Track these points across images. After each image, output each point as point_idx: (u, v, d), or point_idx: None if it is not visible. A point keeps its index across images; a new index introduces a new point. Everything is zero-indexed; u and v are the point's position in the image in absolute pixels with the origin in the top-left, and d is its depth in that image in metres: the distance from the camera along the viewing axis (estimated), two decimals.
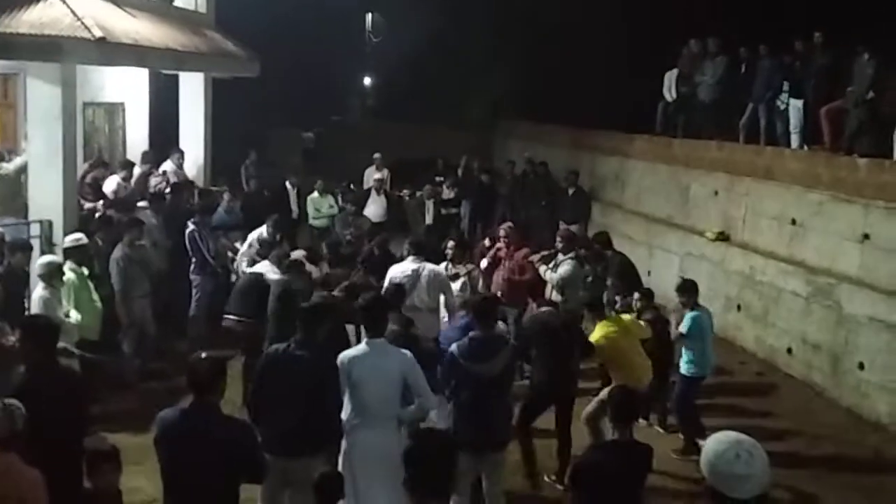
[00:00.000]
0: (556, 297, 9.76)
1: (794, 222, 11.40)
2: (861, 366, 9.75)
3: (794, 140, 12.58)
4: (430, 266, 8.92)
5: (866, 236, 10.13)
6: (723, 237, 12.74)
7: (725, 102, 13.98)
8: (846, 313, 10.02)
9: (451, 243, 9.96)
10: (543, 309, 8.37)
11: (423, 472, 3.43)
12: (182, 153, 13.72)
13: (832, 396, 10.15)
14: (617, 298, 9.77)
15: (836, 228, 10.65)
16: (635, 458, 5.47)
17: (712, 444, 3.19)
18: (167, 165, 13.20)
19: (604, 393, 7.66)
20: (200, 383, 4.70)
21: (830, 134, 11.53)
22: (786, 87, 12.80)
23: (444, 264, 9.62)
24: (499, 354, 6.28)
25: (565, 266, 9.80)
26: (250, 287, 9.02)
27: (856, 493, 7.96)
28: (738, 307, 12.02)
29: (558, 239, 10.37)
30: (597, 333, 7.82)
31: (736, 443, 3.14)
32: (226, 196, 12.43)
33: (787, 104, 12.75)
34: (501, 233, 10.60)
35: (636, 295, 9.23)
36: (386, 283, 8.87)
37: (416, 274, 8.77)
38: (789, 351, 10.96)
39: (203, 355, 4.80)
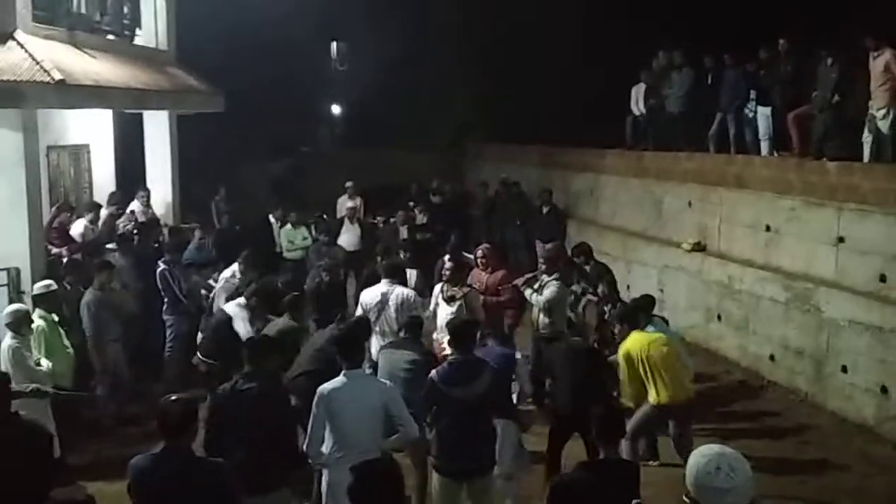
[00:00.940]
0: (542, 319, 9.66)
1: (768, 229, 11.42)
2: (844, 369, 9.74)
3: (764, 147, 12.65)
4: (399, 289, 8.78)
5: (841, 239, 10.15)
6: (699, 248, 12.74)
7: (694, 113, 14.04)
8: (826, 317, 10.02)
9: (448, 264, 9.67)
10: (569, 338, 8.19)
11: None
12: (148, 192, 13.59)
13: (817, 401, 10.13)
14: (607, 308, 9.62)
15: (810, 233, 10.67)
16: (621, 477, 5.37)
17: (695, 457, 3.17)
18: (134, 205, 13.05)
19: (641, 411, 7.68)
20: (172, 426, 4.62)
21: (799, 139, 11.59)
22: (752, 95, 12.88)
23: (439, 285, 9.48)
24: (479, 378, 6.17)
25: (551, 287, 9.64)
26: (218, 327, 8.73)
27: (843, 496, 7.95)
28: (719, 317, 12.00)
29: (541, 260, 10.31)
30: (627, 346, 7.74)
31: (718, 455, 3.10)
32: (196, 233, 12.29)
33: (755, 112, 12.83)
34: (479, 253, 10.47)
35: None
36: (358, 308, 8.81)
37: (384, 298, 8.65)
38: (772, 358, 10.93)
39: (173, 398, 4.71)
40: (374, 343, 8.44)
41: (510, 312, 10.25)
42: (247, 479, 5.41)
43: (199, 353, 8.76)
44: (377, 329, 8.52)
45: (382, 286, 8.80)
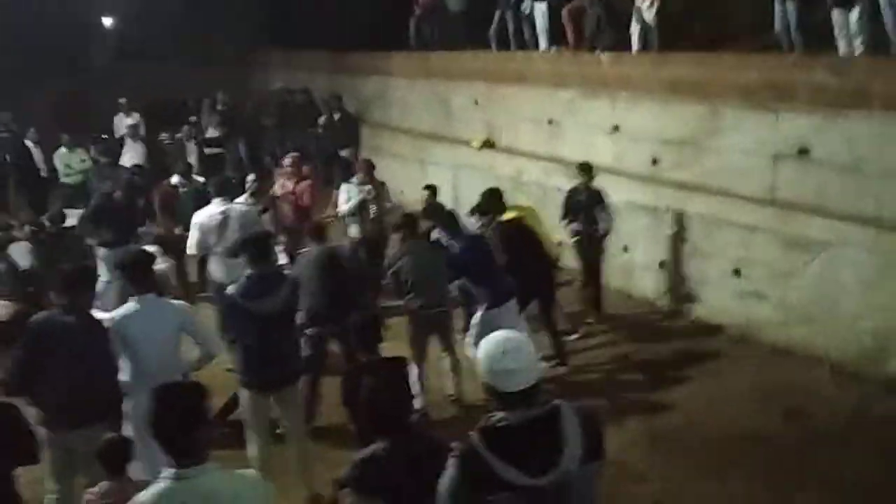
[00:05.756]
0: None
1: (550, 122, 11.86)
2: (625, 248, 10.41)
3: (542, 42, 12.97)
4: (238, 206, 8.66)
5: (616, 127, 10.69)
6: (488, 144, 13.07)
7: (475, 12, 14.18)
8: (607, 202, 10.58)
9: (251, 177, 9.75)
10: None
11: (170, 432, 3.24)
12: None
13: (602, 281, 10.77)
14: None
15: (588, 123, 11.16)
16: (396, 373, 5.51)
17: (484, 343, 3.30)
18: None
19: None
20: None
21: (574, 33, 11.97)
22: None
23: (243, 198, 9.31)
24: (279, 290, 6.18)
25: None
26: None
27: (626, 361, 8.77)
28: None
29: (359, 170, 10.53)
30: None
31: (505, 340, 3.25)
32: None
33: (532, 8, 13.08)
34: (287, 162, 10.54)
35: None
36: (193, 230, 8.54)
37: (224, 216, 8.46)
38: (560, 243, 11.47)
39: None
40: (216, 263, 8.45)
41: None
42: (61, 414, 5.27)
43: None
44: (219, 250, 8.37)
45: (218, 205, 8.56)
